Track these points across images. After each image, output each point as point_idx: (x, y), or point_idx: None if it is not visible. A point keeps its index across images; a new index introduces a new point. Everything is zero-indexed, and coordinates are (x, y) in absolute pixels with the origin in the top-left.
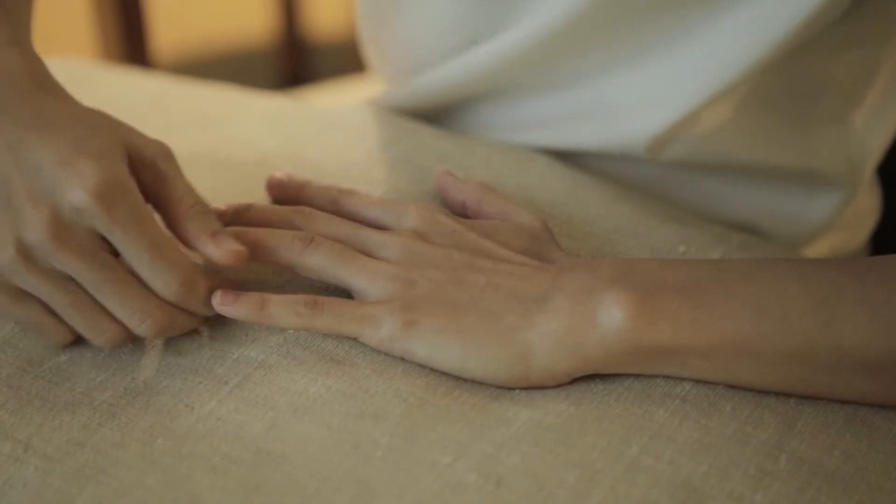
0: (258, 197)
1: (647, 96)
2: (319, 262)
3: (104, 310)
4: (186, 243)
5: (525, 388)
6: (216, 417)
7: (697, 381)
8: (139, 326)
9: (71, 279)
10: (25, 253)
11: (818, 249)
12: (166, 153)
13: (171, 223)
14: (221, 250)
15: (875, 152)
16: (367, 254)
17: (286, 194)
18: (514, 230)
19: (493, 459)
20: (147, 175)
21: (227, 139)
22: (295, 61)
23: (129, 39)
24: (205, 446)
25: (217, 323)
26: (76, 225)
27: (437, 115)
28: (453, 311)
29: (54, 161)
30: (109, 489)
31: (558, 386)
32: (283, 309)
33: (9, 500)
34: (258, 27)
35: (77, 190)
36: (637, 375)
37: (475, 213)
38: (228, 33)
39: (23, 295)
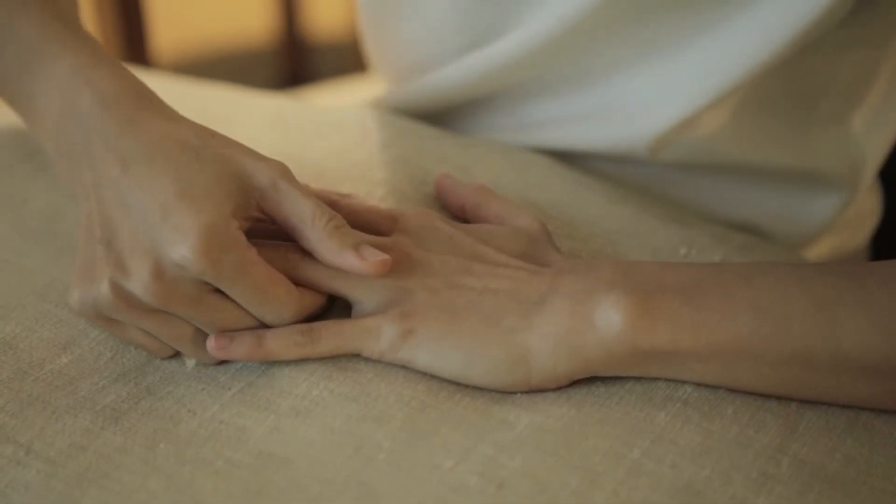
0: None
1: (650, 98)
2: (316, 275)
3: (202, 336)
4: (327, 262)
5: (526, 392)
6: (219, 421)
7: (699, 385)
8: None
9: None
10: (123, 295)
11: (819, 250)
12: (284, 173)
13: (307, 244)
14: (368, 264)
15: (876, 153)
16: None
17: None
18: (511, 234)
19: (495, 463)
20: (268, 202)
21: None
22: (295, 61)
23: (130, 39)
24: (207, 450)
25: None
26: (181, 277)
27: (439, 116)
28: (451, 317)
29: (156, 211)
30: (112, 493)
31: (559, 389)
32: (280, 342)
33: None
34: (258, 27)
35: (179, 248)
36: (638, 379)
37: (474, 215)
38: (228, 33)
39: (116, 323)
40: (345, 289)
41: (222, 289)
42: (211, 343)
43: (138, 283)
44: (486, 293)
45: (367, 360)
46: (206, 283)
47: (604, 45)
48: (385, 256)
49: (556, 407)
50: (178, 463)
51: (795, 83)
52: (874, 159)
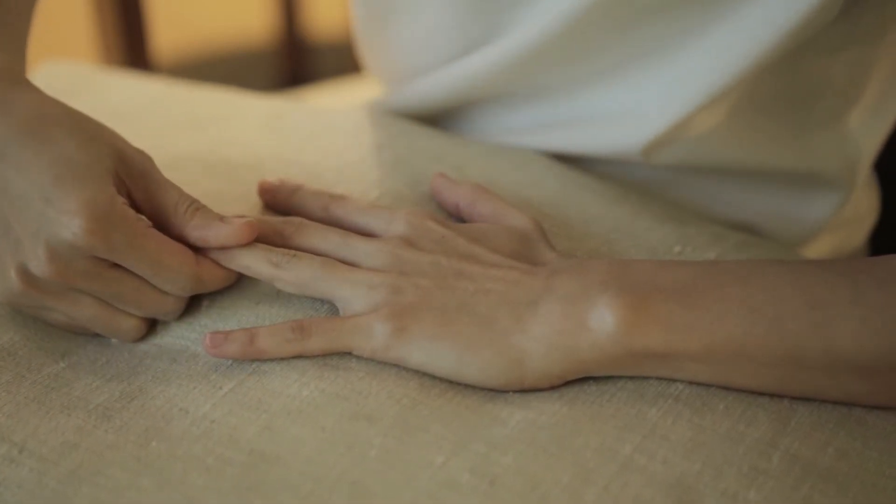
0: (255, 199)
1: (643, 102)
2: (300, 276)
3: (116, 312)
4: (197, 239)
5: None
6: (210, 420)
7: (691, 382)
8: (165, 316)
9: (80, 290)
10: (31, 281)
11: (817, 249)
12: (152, 160)
13: (173, 228)
14: (234, 227)
15: (870, 151)
16: (355, 263)
17: (278, 199)
18: (504, 234)
19: (487, 459)
20: (138, 184)
21: (224, 141)
22: (295, 61)
23: (129, 40)
24: (199, 448)
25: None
26: (76, 256)
27: (433, 119)
28: (444, 318)
29: (38, 195)
30: (104, 490)
31: (552, 387)
32: (271, 340)
33: (4, 502)
34: (258, 27)
35: (67, 229)
36: (630, 376)
37: (468, 214)
38: (228, 33)
39: (35, 309)
40: (330, 290)
41: (118, 262)
42: (206, 342)
43: (37, 266)
44: (479, 294)
45: (359, 358)
46: (103, 259)
47: (596, 50)
48: (249, 218)
49: (548, 404)
50: (170, 460)
51: (789, 84)
52: (869, 156)
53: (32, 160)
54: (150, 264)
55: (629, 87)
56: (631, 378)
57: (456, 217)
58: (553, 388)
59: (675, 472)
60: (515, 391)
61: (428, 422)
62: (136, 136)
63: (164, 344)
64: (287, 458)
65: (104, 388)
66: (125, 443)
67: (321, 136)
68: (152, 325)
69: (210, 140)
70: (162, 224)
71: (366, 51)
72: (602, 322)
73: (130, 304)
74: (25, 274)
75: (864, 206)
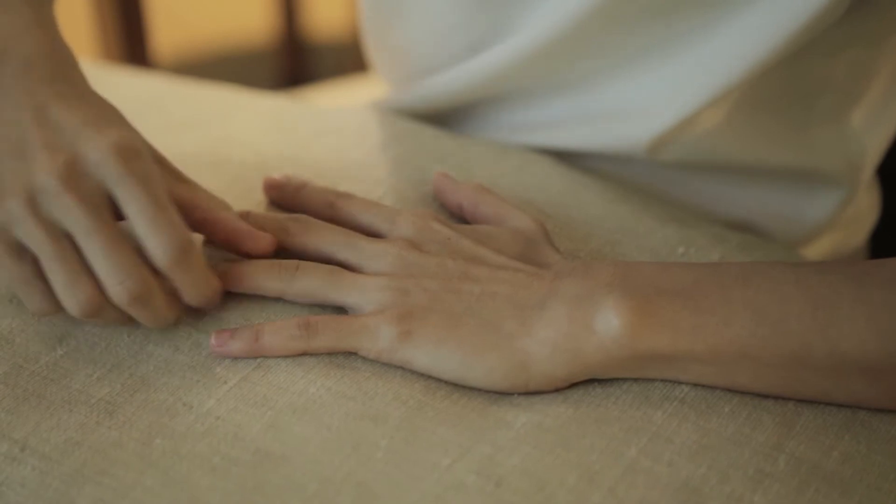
0: (257, 197)
1: (648, 99)
2: (308, 287)
3: (86, 270)
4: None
5: (524, 393)
6: (215, 416)
7: (696, 384)
8: (116, 286)
9: (66, 236)
10: (31, 199)
11: (818, 249)
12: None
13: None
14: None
15: (874, 151)
16: (359, 265)
17: (283, 196)
18: (509, 235)
19: (493, 461)
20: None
21: (227, 139)
22: (295, 61)
23: (129, 39)
24: (204, 446)
25: (214, 320)
26: (88, 176)
27: (439, 119)
28: (449, 321)
29: (80, 121)
30: (108, 489)
31: (557, 390)
32: (277, 337)
33: (7, 501)
34: (258, 27)
35: (98, 142)
36: (635, 378)
37: (471, 215)
38: (228, 33)
39: (20, 250)
40: (339, 297)
41: (122, 197)
42: (211, 340)
43: (47, 170)
44: (485, 297)
45: (365, 359)
46: (108, 204)
47: (601, 49)
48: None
49: (553, 406)
50: (175, 459)
51: (793, 82)
52: (873, 156)
53: (86, 104)
54: (154, 204)
55: (635, 85)
56: (636, 380)
57: (458, 218)
58: (558, 390)
59: (680, 474)
60: (521, 394)
61: (434, 423)
62: None
63: (165, 330)
64: (292, 457)
65: (105, 379)
66: (129, 440)
67: (325, 134)
68: None
69: (213, 138)
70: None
71: (373, 50)
72: (607, 325)
73: (100, 250)
74: (30, 192)
75: (865, 205)
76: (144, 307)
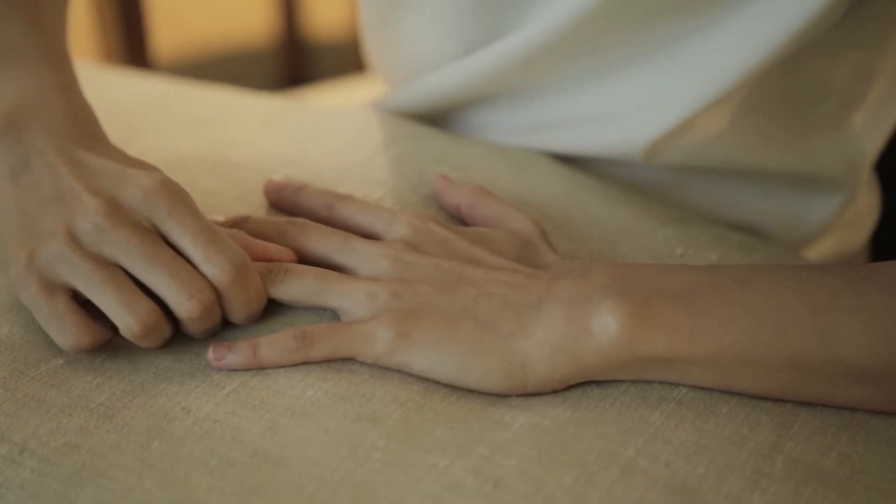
0: (256, 199)
1: (645, 102)
2: (293, 291)
3: (139, 290)
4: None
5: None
6: (213, 420)
7: (694, 386)
8: (186, 302)
9: (115, 265)
10: (74, 238)
11: (819, 250)
12: None
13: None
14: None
15: (873, 152)
16: (357, 268)
17: (283, 198)
18: (506, 237)
19: (491, 462)
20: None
21: (226, 141)
22: (295, 61)
23: (130, 40)
24: (202, 449)
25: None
26: (132, 211)
27: (436, 119)
28: (446, 323)
29: (119, 166)
30: (107, 491)
31: (554, 391)
32: (275, 349)
33: (6, 503)
34: (258, 27)
35: (142, 180)
36: (633, 380)
37: (469, 216)
38: (228, 33)
39: (52, 288)
40: (329, 301)
41: (172, 229)
42: (209, 354)
43: (91, 211)
44: (482, 298)
45: (363, 363)
46: (157, 233)
47: (599, 50)
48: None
49: (551, 408)
50: (173, 461)
51: (794, 86)
52: (872, 158)
53: (119, 156)
54: (206, 231)
55: (633, 87)
56: (634, 382)
57: (457, 219)
58: (556, 392)
59: (678, 475)
60: (518, 395)
61: (432, 425)
62: (138, 135)
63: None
64: (290, 459)
65: (105, 385)
66: (127, 443)
67: (323, 136)
68: None
69: (211, 140)
70: None
71: (372, 49)
72: (605, 327)
73: (164, 270)
74: (73, 232)
75: (865, 206)
76: (209, 320)
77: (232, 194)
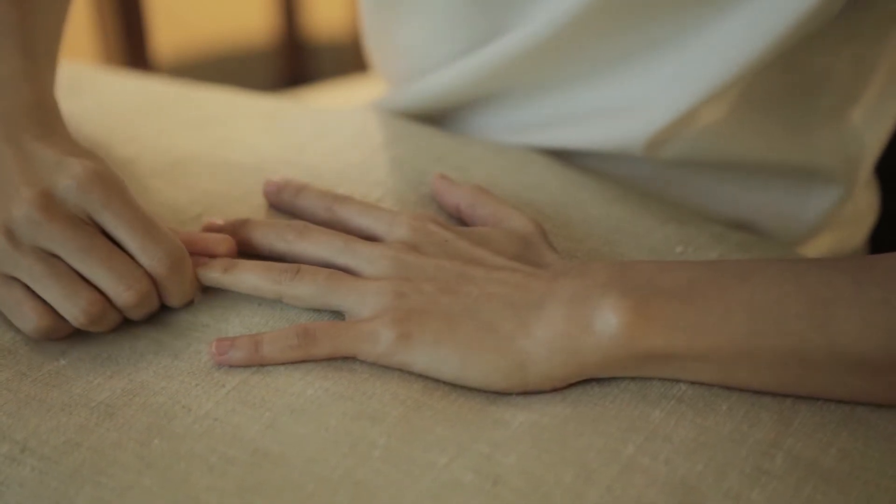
0: (256, 200)
1: (645, 96)
2: (306, 291)
3: (82, 280)
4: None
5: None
6: (213, 418)
7: (693, 382)
8: (123, 293)
9: (53, 255)
10: (10, 233)
11: (817, 248)
12: None
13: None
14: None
15: (873, 148)
16: (358, 269)
17: (282, 199)
18: (506, 236)
19: (490, 459)
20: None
21: (225, 141)
22: (295, 61)
23: (130, 40)
24: (202, 447)
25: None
26: (66, 202)
27: (436, 118)
28: (447, 322)
29: (57, 154)
30: (107, 489)
31: (554, 389)
32: (276, 346)
33: (6, 501)
34: (258, 27)
35: (75, 172)
36: (633, 377)
37: (469, 216)
38: (228, 34)
39: (7, 278)
40: (336, 301)
41: (106, 219)
42: (212, 349)
43: (25, 203)
44: (483, 298)
45: (364, 361)
46: (93, 223)
47: (598, 45)
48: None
49: (551, 405)
50: (173, 459)
51: (791, 79)
52: (872, 154)
53: (64, 144)
54: (141, 220)
55: (633, 82)
56: (633, 379)
57: (456, 219)
58: (556, 389)
59: (678, 472)
60: (518, 393)
61: (431, 423)
62: (137, 136)
63: (166, 341)
64: (290, 457)
65: (105, 384)
66: (128, 441)
67: (323, 136)
68: (151, 322)
69: (211, 140)
70: None
71: (373, 49)
72: (605, 324)
73: (100, 264)
74: (9, 226)
75: (864, 205)
76: (148, 306)
77: (232, 195)
